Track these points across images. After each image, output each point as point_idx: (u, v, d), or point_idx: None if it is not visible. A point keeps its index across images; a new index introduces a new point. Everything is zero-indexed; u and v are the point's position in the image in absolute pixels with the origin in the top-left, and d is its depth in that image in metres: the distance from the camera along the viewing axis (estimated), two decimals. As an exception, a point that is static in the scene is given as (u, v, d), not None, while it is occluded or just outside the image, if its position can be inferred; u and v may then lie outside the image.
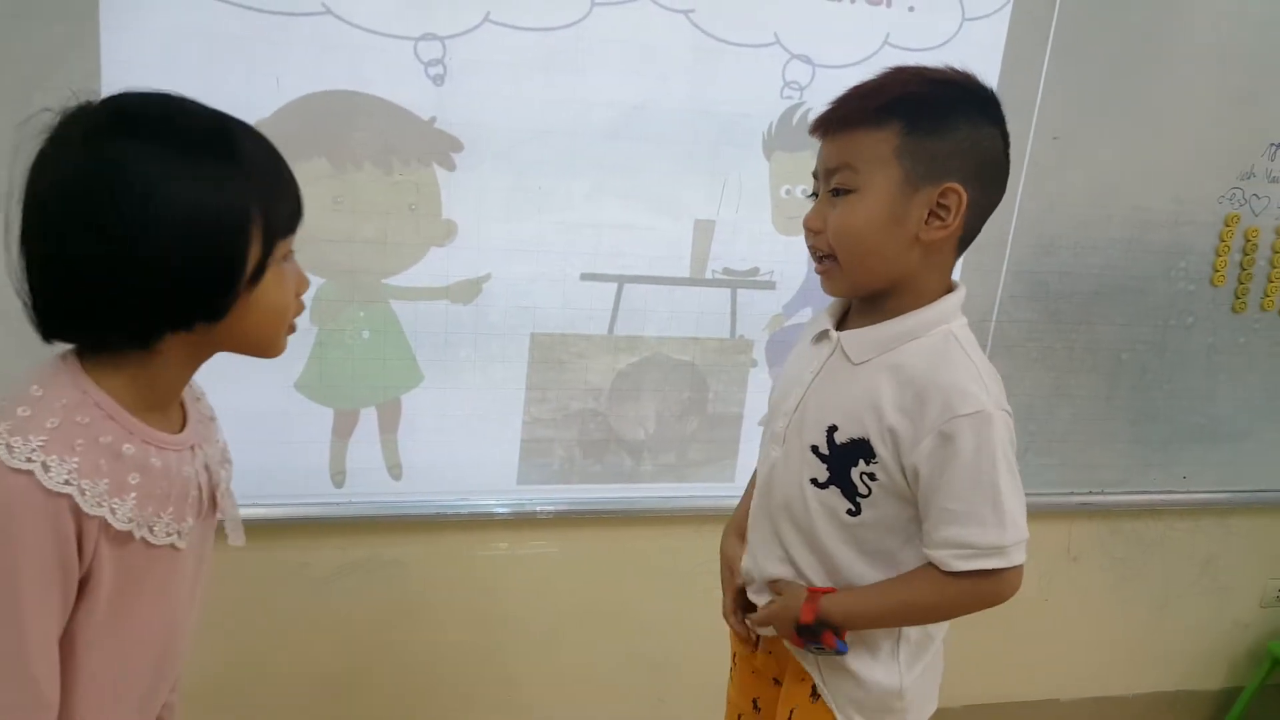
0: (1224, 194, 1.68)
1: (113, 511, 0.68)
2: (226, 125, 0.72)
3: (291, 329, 0.79)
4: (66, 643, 0.71)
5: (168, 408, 0.76)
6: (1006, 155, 0.92)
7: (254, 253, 0.70)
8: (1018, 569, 0.89)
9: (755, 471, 1.10)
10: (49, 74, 1.20)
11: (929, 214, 0.88)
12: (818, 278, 0.97)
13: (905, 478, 0.90)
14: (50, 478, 0.65)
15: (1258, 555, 1.98)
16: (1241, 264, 1.73)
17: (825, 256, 0.93)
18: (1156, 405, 1.77)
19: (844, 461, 0.92)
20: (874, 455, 0.90)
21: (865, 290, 0.94)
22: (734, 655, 1.13)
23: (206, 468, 0.79)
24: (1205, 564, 1.96)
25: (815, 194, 0.95)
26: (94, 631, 0.71)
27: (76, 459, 0.66)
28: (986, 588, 0.89)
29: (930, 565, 0.90)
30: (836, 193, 0.90)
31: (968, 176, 0.88)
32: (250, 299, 0.72)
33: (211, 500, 0.80)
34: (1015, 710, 1.96)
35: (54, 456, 0.65)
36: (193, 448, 0.77)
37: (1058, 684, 1.98)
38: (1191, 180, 1.66)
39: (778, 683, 1.07)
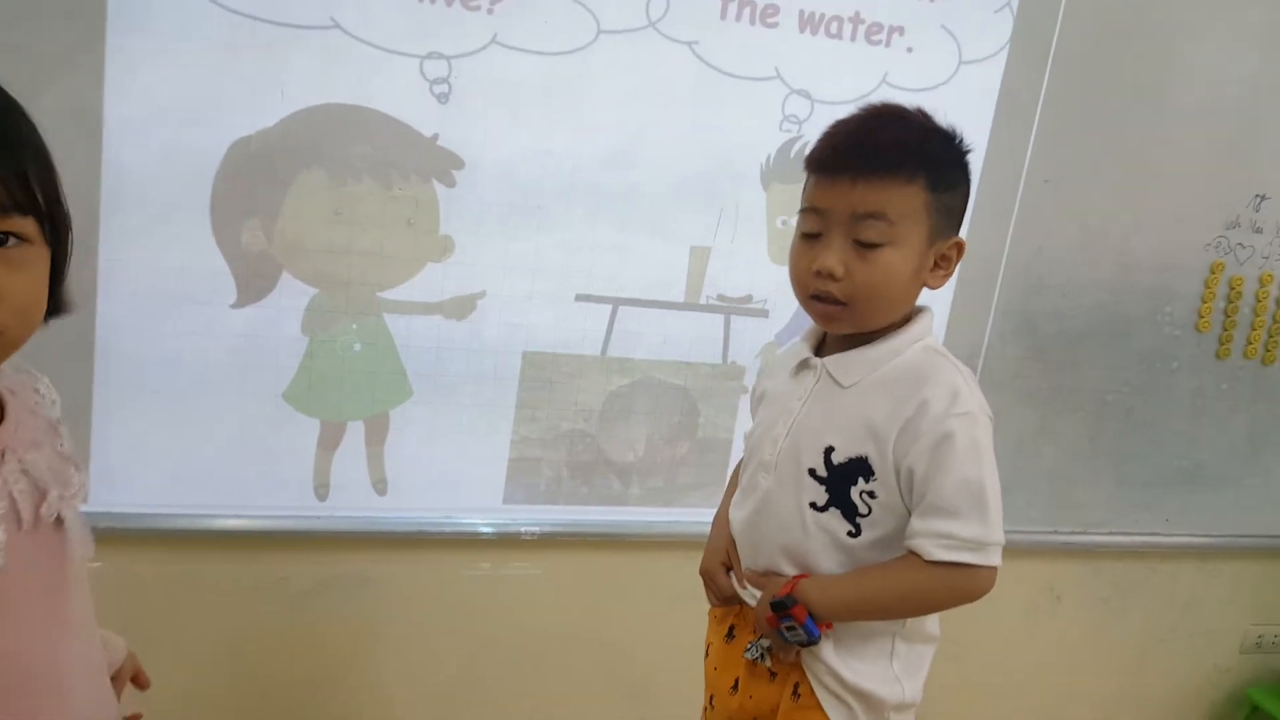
0: (1210, 242, 1.72)
1: None
2: None
3: None
4: None
5: None
6: None
7: None
8: (993, 570, 0.91)
9: (733, 489, 1.10)
10: (54, 78, 1.21)
11: (934, 264, 0.94)
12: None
13: (901, 489, 0.92)
14: None
15: (1239, 600, 1.99)
16: (1226, 311, 1.76)
17: (836, 302, 0.93)
18: (1140, 447, 1.79)
19: (843, 481, 0.94)
20: (872, 473, 0.92)
21: (868, 329, 0.96)
22: (710, 696, 1.11)
23: (26, 473, 0.70)
24: (1186, 607, 1.97)
25: (812, 234, 0.94)
26: None
27: None
28: (961, 581, 0.91)
29: (909, 554, 0.92)
30: (864, 243, 0.90)
31: (958, 226, 0.95)
32: None
33: (38, 512, 0.70)
34: (994, 750, 1.95)
35: None
36: (1, 453, 0.69)
37: (1037, 725, 1.97)
38: (1178, 227, 1.69)
39: None
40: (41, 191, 0.66)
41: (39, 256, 0.67)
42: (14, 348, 0.67)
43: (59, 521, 0.72)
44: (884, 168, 0.89)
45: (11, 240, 0.64)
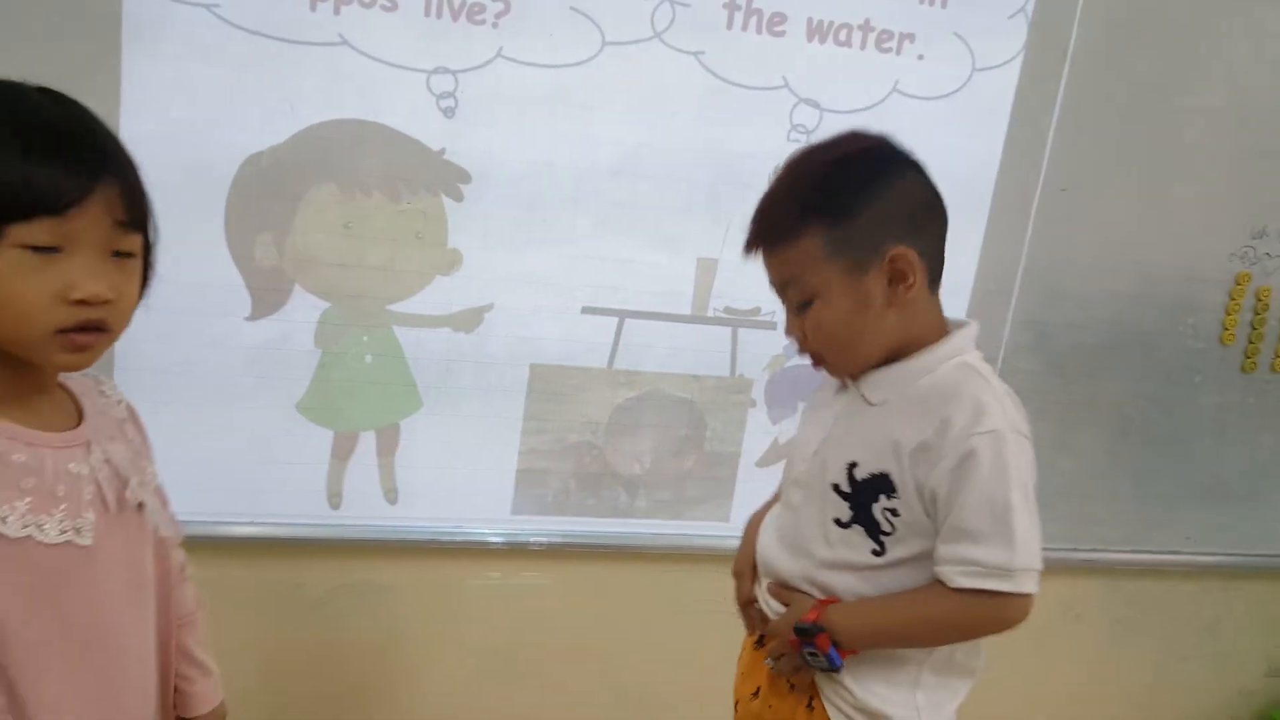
0: (1235, 252, 1.67)
1: (3, 520, 0.67)
2: None
3: (72, 344, 0.69)
4: None
5: (28, 403, 0.73)
6: (929, 186, 0.93)
7: None
8: (1026, 597, 0.87)
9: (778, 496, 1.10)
10: (70, 93, 1.24)
11: (889, 281, 0.90)
12: None
13: (925, 509, 0.90)
14: None
15: (1264, 622, 1.93)
16: (1252, 323, 1.71)
17: (816, 358, 0.96)
18: (1161, 463, 1.75)
19: (865, 497, 0.93)
20: (894, 490, 0.91)
21: (869, 366, 0.95)
22: (736, 701, 1.12)
23: (108, 462, 0.76)
24: (1208, 628, 1.92)
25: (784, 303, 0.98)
26: (9, 638, 0.70)
27: None
28: (989, 611, 0.87)
29: (936, 581, 0.90)
30: (797, 305, 0.93)
31: (904, 232, 0.90)
32: None
33: (122, 496, 0.78)
34: (1010, 769, 1.92)
35: None
36: (88, 444, 0.75)
37: (1055, 744, 1.94)
38: (1202, 236, 1.65)
39: None
40: (146, 211, 0.74)
41: (138, 270, 0.75)
42: (107, 347, 0.74)
43: (140, 508, 0.79)
44: (773, 238, 0.92)
45: (121, 254, 0.72)
